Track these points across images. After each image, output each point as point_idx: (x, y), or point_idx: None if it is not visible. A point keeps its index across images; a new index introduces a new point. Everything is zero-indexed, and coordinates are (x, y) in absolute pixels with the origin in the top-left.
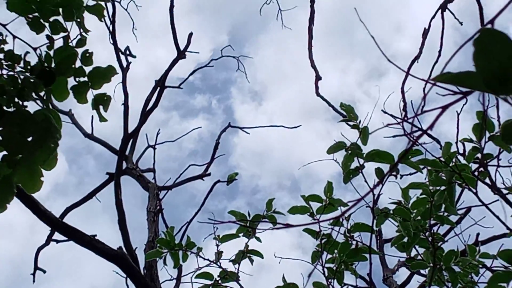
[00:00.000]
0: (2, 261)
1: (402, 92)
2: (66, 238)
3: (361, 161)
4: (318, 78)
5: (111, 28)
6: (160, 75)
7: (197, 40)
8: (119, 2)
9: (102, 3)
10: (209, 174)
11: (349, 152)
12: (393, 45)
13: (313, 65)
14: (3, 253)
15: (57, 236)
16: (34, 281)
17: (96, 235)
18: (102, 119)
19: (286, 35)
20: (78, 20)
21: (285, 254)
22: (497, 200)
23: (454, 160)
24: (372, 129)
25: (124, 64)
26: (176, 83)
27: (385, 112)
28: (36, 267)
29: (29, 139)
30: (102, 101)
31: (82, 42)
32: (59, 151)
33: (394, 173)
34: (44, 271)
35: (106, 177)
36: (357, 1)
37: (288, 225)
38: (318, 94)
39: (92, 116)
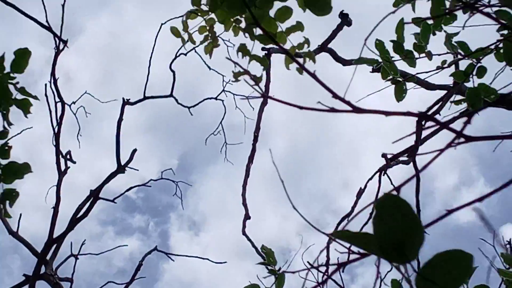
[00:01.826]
0: None
1: (327, 249)
2: None
3: None
4: (247, 217)
5: (56, 130)
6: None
7: (147, 159)
8: (69, 106)
9: (30, 99)
10: None
11: None
12: (338, 200)
13: (244, 204)
14: None
15: None
16: None
17: None
18: (6, 214)
19: (233, 169)
20: (4, 112)
21: None
22: None
23: None
24: (294, 277)
25: (63, 168)
26: (117, 199)
27: (312, 266)
28: None
29: None
30: (9, 196)
31: (3, 134)
32: None
33: None
34: None
35: (23, 278)
36: (310, 153)
37: None
38: (244, 233)
39: (20, 214)
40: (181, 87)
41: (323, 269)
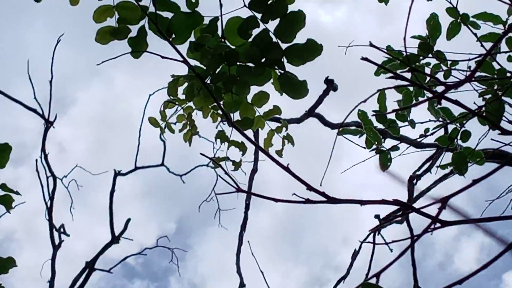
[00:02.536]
0: None
1: None
2: None
3: None
4: (242, 285)
5: (48, 204)
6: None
7: (145, 225)
8: (61, 180)
9: (12, 195)
10: None
11: None
12: (338, 256)
13: (238, 272)
14: None
15: None
16: None
17: None
18: None
19: (228, 233)
20: None
21: None
22: None
23: None
24: None
25: (57, 241)
26: (117, 266)
27: None
28: None
29: None
30: None
31: None
32: None
33: None
34: None
35: None
36: (309, 210)
37: None
38: None
39: None
40: (173, 154)
41: None
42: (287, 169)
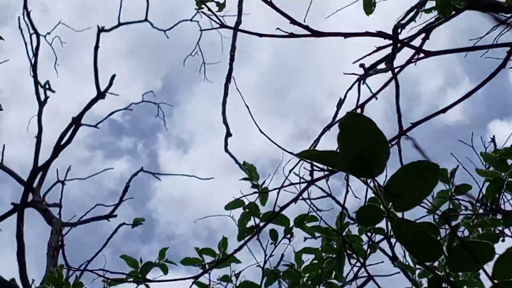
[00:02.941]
0: None
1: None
2: None
3: (257, 220)
4: (228, 134)
5: (33, 61)
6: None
7: (131, 83)
8: (44, 37)
9: None
10: (115, 216)
11: (247, 210)
12: (325, 110)
13: (225, 122)
14: None
15: None
16: None
17: None
18: None
19: (215, 87)
20: None
21: None
22: (398, 272)
23: (346, 230)
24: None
25: (42, 97)
26: (104, 123)
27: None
28: None
29: None
30: None
31: None
32: None
33: (288, 237)
34: None
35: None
36: (295, 63)
37: (177, 279)
38: (226, 150)
39: (4, 145)
40: (157, 11)
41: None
42: (270, 3)
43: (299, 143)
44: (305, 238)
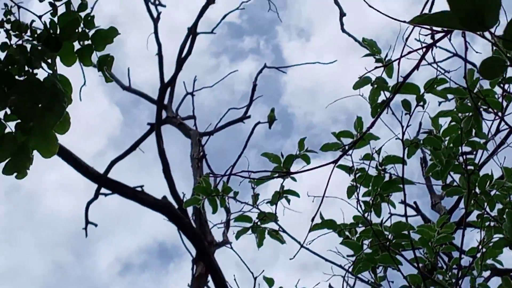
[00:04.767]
0: (68, 220)
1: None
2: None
3: (388, 94)
4: (342, 14)
5: None
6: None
7: None
8: None
9: None
10: (249, 117)
11: (375, 86)
12: None
13: (336, 3)
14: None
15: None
16: (86, 235)
17: (143, 186)
18: (107, 79)
19: None
20: None
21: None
22: None
23: (478, 86)
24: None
25: (155, 14)
26: (223, 27)
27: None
28: (87, 222)
29: (39, 105)
30: (105, 62)
31: (83, 6)
32: (113, 104)
33: (421, 104)
34: (96, 225)
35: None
36: None
37: (318, 166)
38: (343, 30)
39: (128, 69)
40: None
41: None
42: None
43: (418, 7)
44: (439, 103)
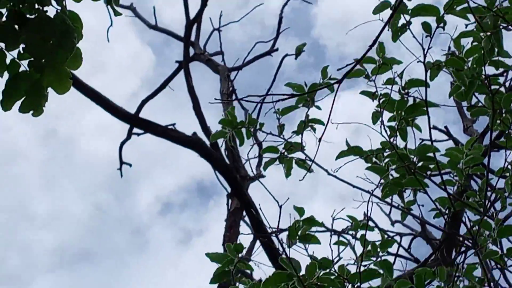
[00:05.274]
0: (106, 162)
1: None
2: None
3: (408, 17)
4: None
5: None
6: None
7: None
8: None
9: None
10: (276, 50)
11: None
12: None
13: None
14: (107, 154)
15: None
16: (121, 175)
17: (174, 124)
18: (116, 13)
19: None
20: None
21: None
22: None
23: (497, 4)
24: None
25: None
26: None
27: None
28: (121, 162)
29: (50, 42)
30: None
31: None
32: (145, 44)
33: (442, 25)
34: (130, 165)
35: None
36: None
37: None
38: None
39: (154, 7)
40: None
41: None
42: None
43: None
44: (466, 25)
